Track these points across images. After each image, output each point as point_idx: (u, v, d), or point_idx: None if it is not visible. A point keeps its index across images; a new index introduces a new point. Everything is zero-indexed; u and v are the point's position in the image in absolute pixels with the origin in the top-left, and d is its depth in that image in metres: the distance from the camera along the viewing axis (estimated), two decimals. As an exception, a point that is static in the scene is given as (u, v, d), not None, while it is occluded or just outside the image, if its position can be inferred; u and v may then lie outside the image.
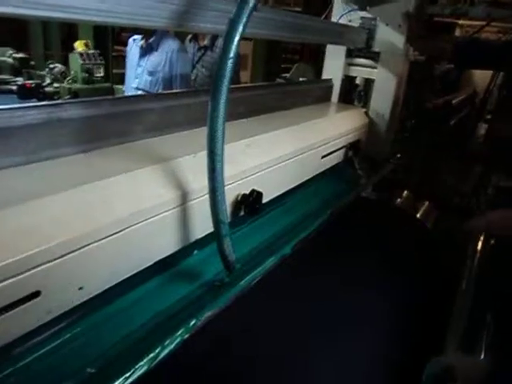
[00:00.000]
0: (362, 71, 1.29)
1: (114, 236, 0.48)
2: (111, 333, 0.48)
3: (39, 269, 0.41)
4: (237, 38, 0.51)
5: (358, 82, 1.32)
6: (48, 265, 0.41)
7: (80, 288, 0.46)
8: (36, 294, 0.41)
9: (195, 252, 0.66)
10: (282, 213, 0.83)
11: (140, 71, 1.81)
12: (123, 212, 0.49)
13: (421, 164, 1.58)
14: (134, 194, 0.52)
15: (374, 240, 1.00)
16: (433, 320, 0.78)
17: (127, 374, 0.43)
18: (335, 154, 1.08)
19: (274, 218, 0.80)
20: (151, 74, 1.77)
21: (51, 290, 0.42)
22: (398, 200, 1.20)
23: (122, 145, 0.62)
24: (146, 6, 0.51)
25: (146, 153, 0.61)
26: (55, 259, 0.42)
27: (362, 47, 1.24)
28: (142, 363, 0.44)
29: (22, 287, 0.40)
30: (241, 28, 0.51)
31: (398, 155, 1.27)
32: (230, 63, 0.51)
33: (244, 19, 0.51)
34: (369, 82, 1.29)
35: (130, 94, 1.79)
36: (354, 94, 1.33)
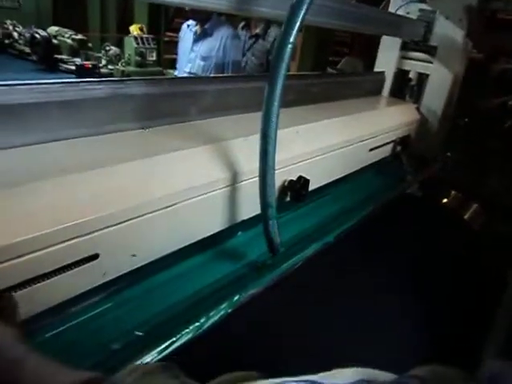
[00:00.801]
0: (416, 65, 1.25)
1: (166, 209, 0.50)
2: (159, 300, 0.51)
3: (99, 233, 0.43)
4: (297, 24, 0.51)
5: (411, 76, 1.29)
6: (107, 230, 0.44)
7: (133, 255, 0.48)
8: (95, 257, 0.44)
9: (239, 233, 0.68)
10: (327, 202, 0.83)
11: (193, 56, 1.84)
12: (177, 187, 0.51)
13: (471, 164, 1.52)
14: (187, 172, 0.54)
15: (416, 238, 0.99)
16: (473, 323, 0.76)
17: (173, 339, 0.45)
18: (383, 148, 1.06)
19: (319, 207, 0.81)
20: (204, 59, 1.80)
21: (108, 253, 0.45)
22: (445, 199, 1.17)
23: (178, 124, 0.64)
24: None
25: (201, 133, 0.63)
26: (114, 225, 0.44)
27: (419, 40, 1.21)
28: (187, 330, 0.46)
29: (84, 248, 0.43)
30: (302, 13, 0.51)
31: (448, 154, 1.24)
32: (289, 48, 0.51)
33: (305, 5, 0.51)
34: (423, 77, 1.26)
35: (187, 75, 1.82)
36: (407, 88, 1.29)
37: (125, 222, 0.45)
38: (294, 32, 0.51)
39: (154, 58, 2.26)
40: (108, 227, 0.44)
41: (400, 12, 1.21)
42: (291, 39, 0.51)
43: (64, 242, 0.40)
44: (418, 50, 1.23)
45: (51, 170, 0.44)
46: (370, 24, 0.92)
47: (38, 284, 0.41)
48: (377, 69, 1.30)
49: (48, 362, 0.30)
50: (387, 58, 1.28)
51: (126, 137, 0.56)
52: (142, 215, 0.47)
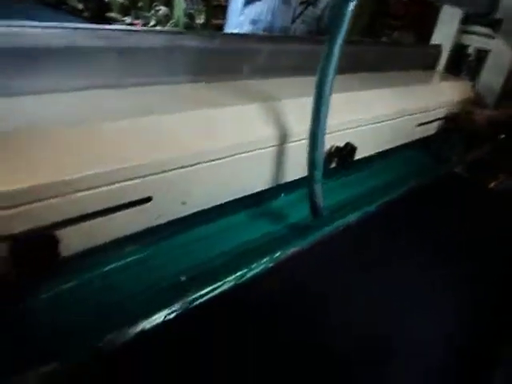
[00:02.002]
0: (476, 40, 1.19)
1: (217, 161, 0.51)
2: (204, 249, 0.53)
3: (154, 177, 0.45)
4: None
5: (470, 51, 1.22)
6: (161, 175, 0.46)
7: (183, 203, 0.50)
8: (149, 199, 0.46)
9: (282, 195, 0.69)
10: (371, 173, 0.82)
11: (242, 19, 1.82)
12: (228, 141, 0.52)
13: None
14: (239, 127, 0.54)
15: (458, 218, 0.96)
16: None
17: (216, 285, 0.47)
18: (432, 124, 1.03)
19: (362, 177, 0.80)
20: (253, 22, 1.78)
21: (161, 198, 0.47)
22: (493, 183, 1.12)
23: (232, 81, 0.64)
24: None
25: (254, 91, 0.63)
26: (168, 171, 0.46)
27: (483, 12, 1.14)
28: (230, 279, 0.48)
29: (139, 190, 0.44)
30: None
31: (502, 136, 1.18)
32: (351, 6, 0.50)
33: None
34: (482, 54, 1.19)
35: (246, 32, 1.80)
36: (464, 64, 1.23)
37: (178, 169, 0.47)
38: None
39: (202, 21, 2.25)
40: (162, 172, 0.45)
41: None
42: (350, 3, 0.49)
43: (121, 181, 0.42)
44: (480, 24, 1.17)
45: (111, 113, 0.45)
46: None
47: (94, 220, 0.43)
48: (433, 41, 1.24)
49: None
50: (445, 30, 1.22)
51: (181, 89, 0.57)
52: (195, 164, 0.48)
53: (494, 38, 1.15)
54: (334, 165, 0.70)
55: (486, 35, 1.17)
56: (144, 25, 1.97)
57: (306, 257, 0.57)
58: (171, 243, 0.53)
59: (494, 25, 1.14)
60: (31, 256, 0.35)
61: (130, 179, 0.43)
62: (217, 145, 0.51)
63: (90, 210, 0.41)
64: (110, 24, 2.07)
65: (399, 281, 0.71)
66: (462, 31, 1.21)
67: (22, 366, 0.33)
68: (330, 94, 0.53)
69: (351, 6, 0.50)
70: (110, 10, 2.21)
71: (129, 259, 0.50)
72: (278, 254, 0.53)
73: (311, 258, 0.58)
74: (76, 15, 2.23)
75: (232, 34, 0.67)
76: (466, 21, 1.19)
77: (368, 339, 0.57)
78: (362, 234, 0.70)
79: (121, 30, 0.52)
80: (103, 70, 0.51)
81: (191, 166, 0.48)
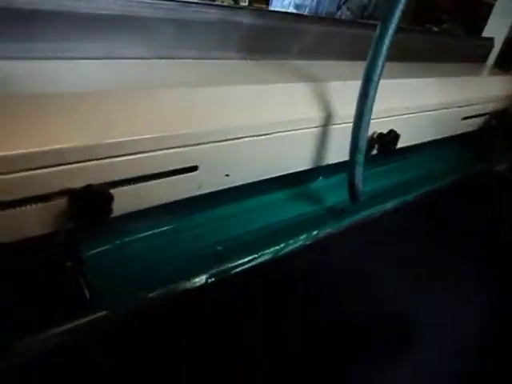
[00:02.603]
0: (532, 35, 1.14)
1: (261, 137, 0.52)
2: (243, 223, 0.54)
3: (201, 147, 0.46)
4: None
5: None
6: (208, 145, 0.47)
7: (227, 175, 0.51)
8: (195, 168, 0.47)
9: (321, 178, 0.69)
10: (412, 163, 0.81)
11: (287, 3, 1.81)
12: (274, 118, 0.53)
13: None
14: (285, 105, 0.55)
15: (494, 216, 0.94)
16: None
17: (253, 256, 0.48)
18: (477, 119, 1.00)
19: (403, 166, 0.79)
20: (298, 7, 1.76)
21: (206, 168, 0.48)
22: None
23: (280, 61, 0.65)
24: None
25: (301, 72, 0.63)
26: (214, 142, 0.47)
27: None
28: (267, 251, 0.49)
29: (187, 158, 0.46)
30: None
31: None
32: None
33: None
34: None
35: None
36: (516, 59, 1.18)
37: (224, 141, 0.48)
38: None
39: (247, 4, 2.24)
40: (209, 143, 0.47)
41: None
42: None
43: (169, 148, 0.44)
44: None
45: (163, 82, 0.47)
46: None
47: (141, 184, 0.44)
48: (485, 34, 1.19)
49: None
50: (499, 23, 1.17)
51: (229, 64, 0.58)
52: (240, 138, 0.49)
53: (550, 33, 1.10)
54: (375, 151, 0.70)
55: (542, 30, 1.12)
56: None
57: (342, 239, 0.57)
58: (212, 215, 0.54)
59: (552, 19, 1.09)
60: (87, 209, 0.37)
61: (178, 147, 0.44)
62: (262, 120, 0.52)
63: (141, 173, 0.43)
64: None
65: (428, 270, 0.70)
66: (518, 25, 1.16)
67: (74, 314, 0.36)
68: (379, 80, 0.52)
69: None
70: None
71: (170, 226, 0.52)
72: (315, 233, 0.54)
73: (346, 240, 0.58)
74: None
75: (284, 13, 0.67)
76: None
77: (400, 320, 0.57)
78: (398, 222, 0.70)
79: (177, 1, 0.53)
80: (158, 41, 0.52)
81: (237, 139, 0.49)
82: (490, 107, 1.04)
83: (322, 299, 0.55)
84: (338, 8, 2.02)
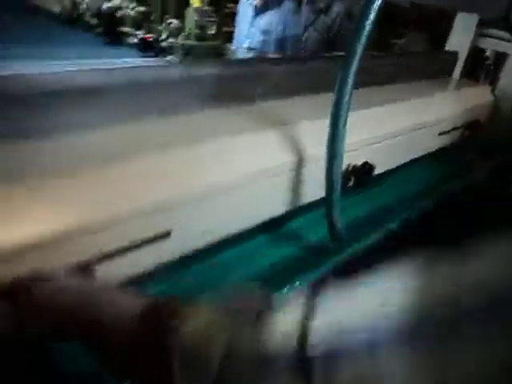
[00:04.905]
0: (494, 43, 1.16)
1: (235, 190, 0.51)
2: (223, 278, 0.53)
3: (175, 210, 0.45)
4: (378, 4, 0.49)
5: (487, 55, 1.19)
6: (180, 208, 0.46)
7: (201, 232, 0.50)
8: (168, 233, 0.46)
9: (299, 217, 0.68)
10: (391, 187, 0.81)
11: (253, 31, 1.82)
12: (242, 169, 0.52)
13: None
14: (253, 154, 0.54)
15: (483, 227, 0.94)
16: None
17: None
18: (451, 133, 1.01)
19: (382, 192, 0.79)
20: (264, 33, 1.77)
21: (179, 231, 0.47)
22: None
23: (243, 106, 0.64)
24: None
25: (265, 115, 0.62)
26: (187, 204, 0.46)
27: (499, 17, 1.11)
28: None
29: (158, 225, 0.44)
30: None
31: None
32: (368, 27, 0.49)
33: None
34: (500, 57, 1.16)
35: (241, 54, 1.81)
36: (482, 69, 1.20)
37: (196, 201, 0.47)
38: (375, 8, 0.49)
39: (214, 32, 2.25)
40: (181, 206, 0.45)
41: (479, -15, 1.12)
42: (371, 18, 0.49)
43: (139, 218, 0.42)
44: (497, 27, 1.14)
45: (119, 152, 0.45)
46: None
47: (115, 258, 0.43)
48: (449, 47, 1.22)
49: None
50: (461, 36, 1.19)
51: (197, 118, 0.57)
52: (211, 195, 0.48)
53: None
54: (351, 183, 0.69)
55: (503, 39, 1.14)
56: (156, 39, 1.98)
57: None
58: (187, 273, 0.53)
59: (512, 28, 1.11)
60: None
61: (147, 215, 0.43)
62: (232, 174, 0.51)
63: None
64: (123, 39, 2.10)
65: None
66: (479, 35, 1.18)
67: None
68: (346, 117, 0.52)
69: (367, 28, 0.49)
70: (123, 25, 2.23)
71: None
72: (297, 284, 0.52)
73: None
74: (89, 31, 2.26)
75: (238, 60, 0.67)
76: (483, 24, 1.16)
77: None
78: (383, 253, 0.69)
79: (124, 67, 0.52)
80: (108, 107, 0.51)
81: (206, 197, 0.48)
82: (464, 119, 1.05)
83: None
84: (305, 29, 2.04)
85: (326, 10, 2.01)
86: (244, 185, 0.52)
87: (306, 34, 2.03)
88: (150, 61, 0.49)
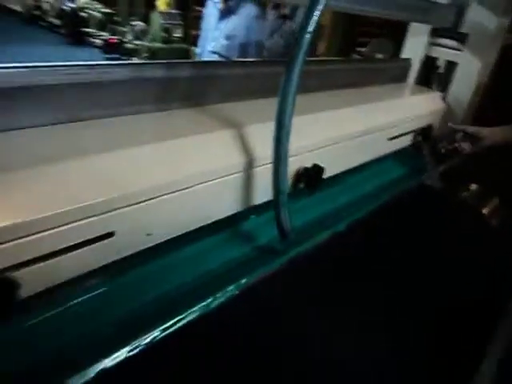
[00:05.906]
0: (445, 53, 1.22)
1: (181, 192, 0.52)
2: (169, 279, 0.53)
3: (116, 212, 0.45)
4: (318, 12, 0.51)
5: (439, 63, 1.25)
6: (123, 210, 0.46)
7: (148, 234, 0.50)
8: (111, 234, 0.46)
9: (252, 217, 0.69)
10: (341, 190, 0.84)
11: (217, 34, 1.83)
12: (191, 170, 0.53)
13: (497, 159, 1.48)
14: (203, 155, 0.55)
15: (430, 231, 0.98)
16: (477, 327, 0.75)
17: (180, 317, 0.47)
18: (403, 137, 1.05)
19: (332, 195, 0.81)
20: (228, 38, 1.78)
21: (124, 232, 0.47)
22: (465, 193, 1.15)
23: (196, 108, 0.65)
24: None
25: (217, 118, 0.63)
26: (130, 205, 0.46)
27: (449, 27, 1.17)
28: (194, 309, 0.48)
29: (101, 226, 0.45)
30: (324, 1, 0.51)
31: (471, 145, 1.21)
32: (308, 37, 0.51)
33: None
34: (451, 65, 1.22)
35: (206, 58, 1.82)
36: (434, 76, 1.26)
37: (140, 203, 0.47)
38: (315, 20, 0.51)
39: (180, 35, 2.25)
40: (124, 207, 0.46)
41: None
42: (311, 28, 0.51)
43: (80, 220, 0.43)
44: (447, 37, 1.20)
45: (69, 150, 0.46)
46: (396, 9, 0.90)
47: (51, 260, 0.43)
48: (403, 55, 1.27)
49: None
50: (415, 44, 1.25)
51: (144, 119, 0.57)
52: (158, 196, 0.49)
53: (461, 50, 1.18)
54: (302, 185, 0.71)
55: (454, 48, 1.20)
56: (120, 41, 1.96)
57: (272, 281, 0.57)
58: (133, 275, 0.53)
59: (461, 38, 1.17)
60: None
61: (88, 217, 0.43)
62: (181, 174, 0.51)
63: (51, 250, 0.41)
64: (86, 40, 2.07)
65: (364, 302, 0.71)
66: (431, 44, 1.24)
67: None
68: (291, 120, 0.54)
69: (308, 35, 0.51)
70: (87, 26, 2.20)
71: (88, 295, 0.49)
72: (244, 281, 0.54)
73: (277, 282, 0.59)
74: (53, 31, 2.21)
75: (194, 62, 0.68)
76: (435, 33, 1.22)
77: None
78: (332, 255, 0.71)
79: (80, 65, 0.52)
80: (61, 105, 0.51)
81: (154, 198, 0.49)
82: (416, 124, 1.09)
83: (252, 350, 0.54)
84: (271, 35, 2.07)
85: (292, 16, 2.05)
86: (192, 186, 0.53)
87: (272, 40, 2.06)
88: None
